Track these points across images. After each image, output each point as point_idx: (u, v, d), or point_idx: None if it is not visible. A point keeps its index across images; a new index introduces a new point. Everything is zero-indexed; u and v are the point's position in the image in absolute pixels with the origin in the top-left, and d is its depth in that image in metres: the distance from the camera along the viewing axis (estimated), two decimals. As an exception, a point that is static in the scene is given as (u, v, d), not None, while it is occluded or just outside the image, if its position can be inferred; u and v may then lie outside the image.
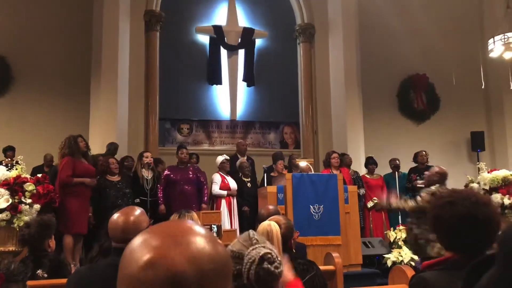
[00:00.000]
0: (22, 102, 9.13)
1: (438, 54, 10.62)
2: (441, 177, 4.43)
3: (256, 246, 1.46)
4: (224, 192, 6.80)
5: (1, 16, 9.18)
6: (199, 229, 0.70)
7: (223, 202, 6.79)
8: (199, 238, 0.68)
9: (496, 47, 8.12)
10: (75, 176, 5.47)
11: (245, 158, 7.87)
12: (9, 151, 7.84)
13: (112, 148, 7.26)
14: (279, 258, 1.44)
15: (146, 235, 0.68)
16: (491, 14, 10.71)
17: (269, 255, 1.41)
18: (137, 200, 6.32)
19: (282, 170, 7.26)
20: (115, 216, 2.08)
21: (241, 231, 6.17)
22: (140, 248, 0.66)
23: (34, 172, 6.59)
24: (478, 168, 6.43)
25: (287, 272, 1.96)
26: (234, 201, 6.91)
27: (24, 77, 9.20)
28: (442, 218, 1.62)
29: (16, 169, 4.99)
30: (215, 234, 3.75)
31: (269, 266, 1.38)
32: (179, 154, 6.75)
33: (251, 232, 1.59)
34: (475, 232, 1.56)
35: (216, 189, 6.81)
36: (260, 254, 1.39)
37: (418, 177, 7.36)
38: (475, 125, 10.64)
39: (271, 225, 2.21)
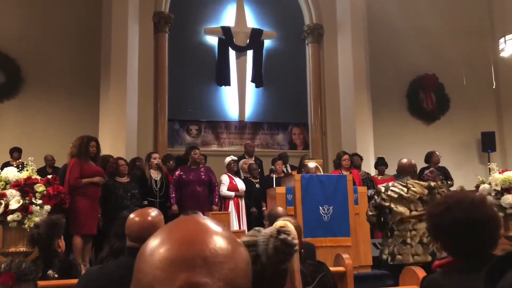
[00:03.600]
0: (32, 104, 9.20)
1: (448, 54, 10.55)
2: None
3: (268, 229, 1.48)
4: (232, 193, 6.79)
5: (11, 19, 9.27)
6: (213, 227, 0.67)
7: (231, 203, 6.78)
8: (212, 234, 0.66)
9: (507, 46, 8.06)
10: (83, 177, 5.49)
11: (253, 159, 7.89)
12: (15, 151, 7.88)
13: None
14: (292, 232, 1.46)
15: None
16: (502, 13, 10.62)
17: (284, 228, 1.43)
18: (145, 202, 6.33)
19: (282, 170, 7.29)
20: (132, 215, 2.09)
21: (250, 232, 6.16)
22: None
23: (37, 173, 6.60)
24: (489, 168, 6.36)
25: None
26: (242, 202, 6.90)
27: (34, 79, 9.28)
28: (442, 226, 1.58)
29: (27, 170, 5.02)
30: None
31: (286, 236, 1.39)
32: (193, 155, 6.71)
33: (256, 228, 1.61)
34: (477, 234, 1.53)
35: (224, 190, 6.80)
36: (276, 227, 1.41)
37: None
38: (486, 125, 10.54)
39: (287, 224, 2.20)
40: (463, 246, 1.55)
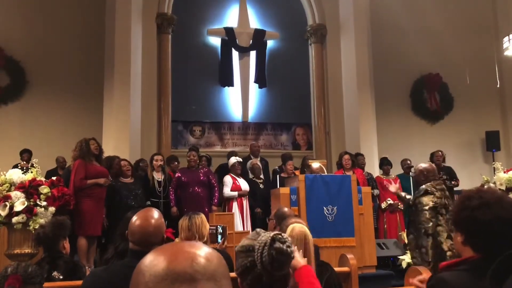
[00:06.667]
0: (37, 106, 9.24)
1: (452, 53, 10.52)
2: (428, 174, 4.42)
3: (265, 234, 1.46)
4: (235, 193, 6.79)
5: (15, 22, 9.31)
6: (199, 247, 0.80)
7: (235, 204, 6.78)
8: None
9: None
10: (88, 178, 5.50)
11: (259, 159, 7.88)
12: (25, 153, 7.91)
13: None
14: (289, 239, 1.44)
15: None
16: (506, 12, 10.59)
17: (279, 236, 1.41)
18: (148, 202, 6.37)
19: (292, 172, 7.24)
20: (134, 218, 2.07)
21: (254, 233, 6.15)
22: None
23: (48, 175, 6.65)
24: (494, 168, 6.35)
25: (299, 258, 1.92)
26: (246, 203, 6.89)
27: (39, 81, 9.31)
28: (479, 220, 1.53)
29: (32, 172, 5.03)
30: (219, 235, 3.75)
31: (280, 245, 1.38)
32: (187, 157, 6.81)
33: (257, 229, 1.61)
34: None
35: (226, 191, 6.81)
36: (271, 235, 1.39)
37: None
38: (490, 124, 10.50)
39: (304, 227, 2.20)
40: (493, 243, 1.50)
